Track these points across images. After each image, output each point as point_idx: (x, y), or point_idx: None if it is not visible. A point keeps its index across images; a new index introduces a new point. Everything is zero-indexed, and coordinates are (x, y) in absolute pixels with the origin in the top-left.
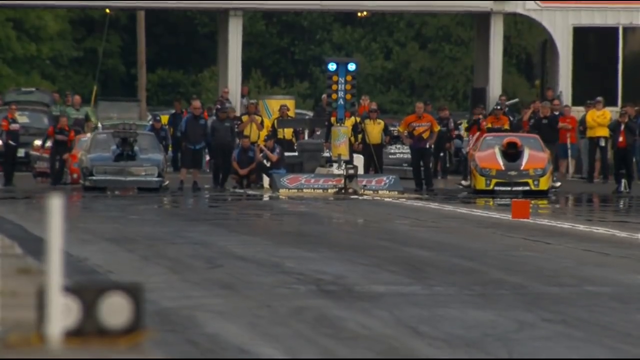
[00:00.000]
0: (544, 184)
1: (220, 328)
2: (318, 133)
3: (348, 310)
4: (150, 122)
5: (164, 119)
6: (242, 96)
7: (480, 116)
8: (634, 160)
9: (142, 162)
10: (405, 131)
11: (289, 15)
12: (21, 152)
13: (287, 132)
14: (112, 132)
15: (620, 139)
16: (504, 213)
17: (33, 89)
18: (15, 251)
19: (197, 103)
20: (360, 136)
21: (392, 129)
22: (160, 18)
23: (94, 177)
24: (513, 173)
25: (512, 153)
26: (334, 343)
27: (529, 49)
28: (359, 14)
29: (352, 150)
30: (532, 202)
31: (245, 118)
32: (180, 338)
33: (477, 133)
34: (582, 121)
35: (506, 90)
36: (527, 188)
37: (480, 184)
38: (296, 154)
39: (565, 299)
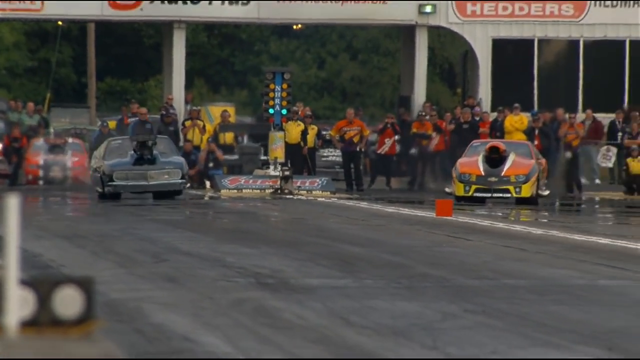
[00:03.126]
0: (526, 191)
1: (165, 318)
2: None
3: (284, 301)
4: (99, 127)
5: (112, 124)
6: (186, 103)
7: (392, 121)
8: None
9: (163, 165)
10: (337, 135)
11: (229, 27)
12: None
13: (228, 137)
14: (128, 137)
15: (536, 142)
16: (427, 211)
17: None
18: None
19: (143, 109)
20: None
21: (324, 133)
22: (109, 30)
23: (114, 183)
24: (493, 179)
25: (495, 158)
26: (272, 332)
27: (451, 59)
28: (295, 27)
29: (302, 154)
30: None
31: (188, 123)
32: (128, 328)
33: (394, 137)
34: (500, 126)
35: (430, 98)
36: (507, 195)
37: (459, 190)
38: (236, 157)
39: (486, 292)
